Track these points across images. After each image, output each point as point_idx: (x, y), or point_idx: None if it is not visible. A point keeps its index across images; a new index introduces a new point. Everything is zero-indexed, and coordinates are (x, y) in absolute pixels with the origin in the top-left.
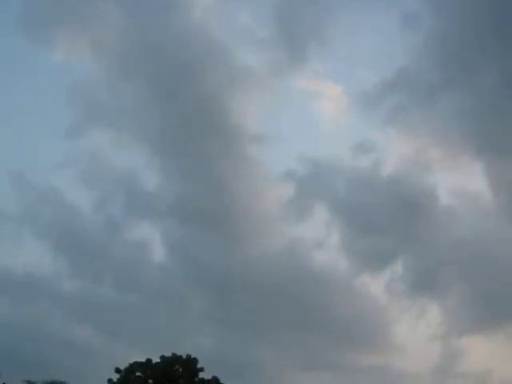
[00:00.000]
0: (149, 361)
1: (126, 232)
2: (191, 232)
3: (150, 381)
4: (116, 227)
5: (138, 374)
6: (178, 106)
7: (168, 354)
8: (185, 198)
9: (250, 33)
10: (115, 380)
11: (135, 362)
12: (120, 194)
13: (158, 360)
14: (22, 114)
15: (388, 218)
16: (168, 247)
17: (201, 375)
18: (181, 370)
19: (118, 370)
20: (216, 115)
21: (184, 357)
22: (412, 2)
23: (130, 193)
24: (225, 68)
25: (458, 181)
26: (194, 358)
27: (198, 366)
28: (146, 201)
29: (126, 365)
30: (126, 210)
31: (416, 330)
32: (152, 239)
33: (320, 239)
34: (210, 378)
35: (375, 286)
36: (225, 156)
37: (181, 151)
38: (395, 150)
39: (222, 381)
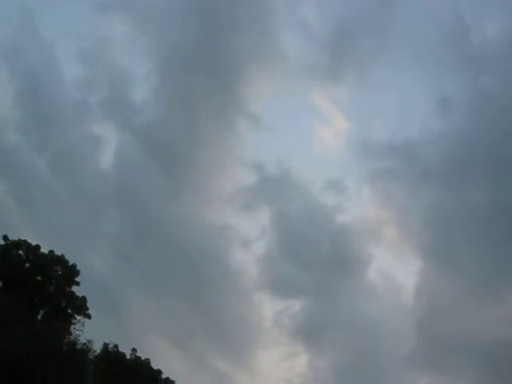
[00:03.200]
0: (37, 247)
1: (90, 124)
2: (146, 160)
3: (27, 264)
4: (83, 114)
5: (20, 252)
6: (203, 46)
7: (58, 252)
8: (159, 126)
9: (305, 25)
10: None
11: (25, 241)
12: (107, 88)
13: (46, 252)
14: None
15: (316, 260)
16: (117, 161)
17: (74, 288)
18: (60, 272)
19: (5, 238)
20: (230, 76)
21: (70, 263)
22: (456, 92)
23: (115, 92)
24: (263, 40)
25: (394, 268)
26: (77, 270)
27: (77, 279)
28: (126, 108)
29: (16, 238)
30: (102, 105)
31: (277, 366)
32: (108, 145)
33: (249, 239)
34: (80, 295)
35: (268, 308)
36: (218, 114)
37: (182, 85)
38: (360, 208)
39: (88, 304)
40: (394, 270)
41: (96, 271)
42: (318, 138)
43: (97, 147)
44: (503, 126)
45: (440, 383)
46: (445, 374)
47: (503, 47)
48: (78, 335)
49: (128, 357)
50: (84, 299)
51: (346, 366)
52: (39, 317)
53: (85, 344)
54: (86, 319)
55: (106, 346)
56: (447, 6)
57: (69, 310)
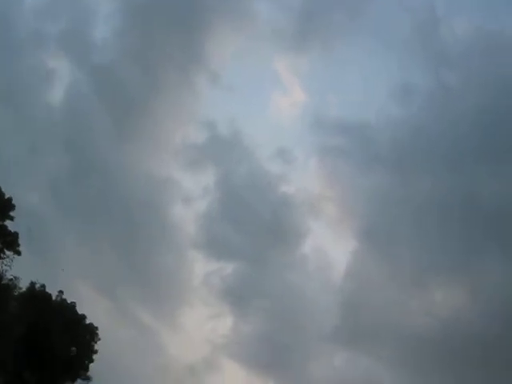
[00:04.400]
0: None
1: (44, 56)
2: (97, 101)
3: None
4: (39, 44)
5: None
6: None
7: None
8: (116, 69)
9: None
10: None
11: None
12: (67, 21)
13: None
14: None
15: (255, 226)
16: (67, 97)
17: (7, 223)
18: None
19: None
20: (196, 30)
21: (6, 196)
22: (418, 82)
23: (75, 27)
24: (237, 3)
25: (329, 245)
26: (13, 205)
27: (11, 213)
28: (84, 45)
29: None
30: (60, 38)
31: (201, 326)
32: (60, 80)
33: (190, 196)
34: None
35: (200, 267)
36: (178, 66)
37: (146, 31)
38: (305, 181)
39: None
40: (329, 246)
41: (30, 207)
42: (275, 105)
43: (48, 80)
44: (460, 122)
45: (357, 362)
46: (363, 354)
47: (470, 46)
48: (6, 270)
49: (54, 298)
50: (16, 235)
51: (269, 334)
52: None
53: (11, 280)
54: (16, 255)
55: (32, 284)
56: None
57: None
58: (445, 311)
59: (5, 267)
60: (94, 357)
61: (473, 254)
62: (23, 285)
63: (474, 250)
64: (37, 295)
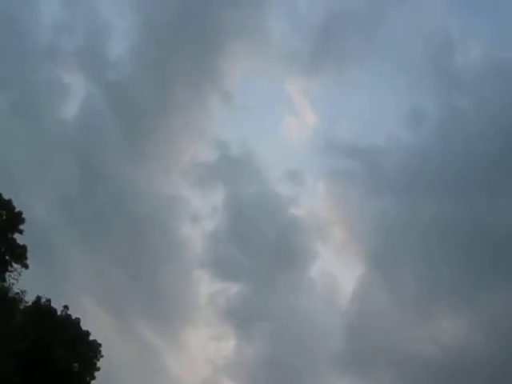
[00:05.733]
0: None
1: (60, 71)
2: (110, 117)
3: None
4: (55, 59)
5: None
6: (190, 12)
7: (6, 196)
8: (131, 86)
9: (295, 12)
10: None
11: None
12: (84, 37)
13: None
14: None
15: (262, 248)
16: (81, 112)
17: (16, 236)
18: (4, 217)
19: None
20: (211, 49)
21: (16, 210)
22: (429, 108)
23: (92, 43)
24: (252, 19)
25: (336, 268)
26: (23, 218)
27: (21, 227)
28: (100, 61)
29: None
30: (76, 53)
31: (204, 346)
32: (75, 95)
33: (199, 215)
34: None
35: (206, 286)
36: (192, 84)
37: (161, 49)
38: (313, 203)
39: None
40: (336, 270)
41: (40, 221)
42: (286, 126)
43: (63, 95)
44: (469, 149)
45: None
46: (367, 377)
47: (483, 71)
48: (12, 284)
49: (59, 313)
50: (24, 248)
51: (272, 357)
52: None
53: (17, 293)
54: (23, 269)
55: (38, 298)
56: (437, 22)
57: (7, 257)
58: (450, 337)
59: (12, 280)
60: (96, 374)
61: (479, 281)
62: (29, 298)
63: (481, 276)
64: (42, 310)
